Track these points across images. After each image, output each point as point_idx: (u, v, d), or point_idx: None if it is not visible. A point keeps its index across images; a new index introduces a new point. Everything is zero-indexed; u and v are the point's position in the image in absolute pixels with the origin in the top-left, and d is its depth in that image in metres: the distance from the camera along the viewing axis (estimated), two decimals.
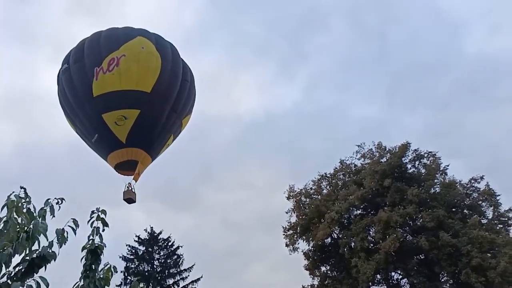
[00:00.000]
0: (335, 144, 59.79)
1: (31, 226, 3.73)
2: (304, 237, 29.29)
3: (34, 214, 3.86)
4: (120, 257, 29.13)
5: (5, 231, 3.56)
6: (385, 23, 75.43)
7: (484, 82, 64.99)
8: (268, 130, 67.44)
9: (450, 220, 24.74)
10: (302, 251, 29.04)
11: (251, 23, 74.44)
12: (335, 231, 29.19)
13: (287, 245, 29.34)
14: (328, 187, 30.24)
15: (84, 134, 19.14)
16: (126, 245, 29.68)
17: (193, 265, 29.52)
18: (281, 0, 75.40)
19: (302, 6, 72.83)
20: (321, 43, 71.12)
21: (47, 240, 3.83)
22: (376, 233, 26.54)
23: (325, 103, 70.86)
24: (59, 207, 4.07)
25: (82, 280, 4.24)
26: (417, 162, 28.33)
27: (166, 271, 29.22)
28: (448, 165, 28.05)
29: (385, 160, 28.07)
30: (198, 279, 29.32)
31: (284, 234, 29.49)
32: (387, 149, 28.60)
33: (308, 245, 29.17)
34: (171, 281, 29.13)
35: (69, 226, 4.06)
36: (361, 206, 28.42)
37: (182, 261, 29.60)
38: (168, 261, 29.55)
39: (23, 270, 3.64)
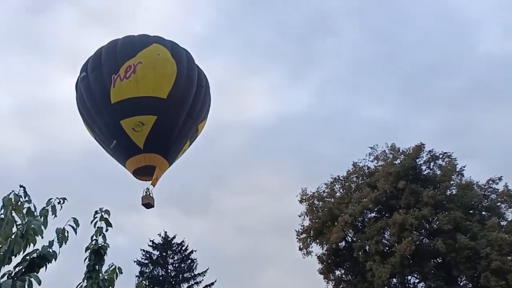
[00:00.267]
0: (347, 147, 59.55)
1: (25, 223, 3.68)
2: (317, 240, 29.18)
3: (35, 213, 3.81)
4: (134, 261, 29.36)
5: (1, 229, 3.52)
6: (395, 24, 75.04)
7: (500, 81, 64.31)
8: (279, 134, 67.44)
9: (468, 222, 24.42)
10: (315, 255, 28.95)
11: (260, 28, 74.71)
12: (349, 234, 29.04)
13: (300, 249, 29.27)
14: (341, 190, 30.12)
15: (102, 140, 19.43)
16: (140, 250, 29.90)
17: (207, 270, 29.62)
18: (290, 4, 75.58)
19: (310, 9, 72.82)
20: (330, 46, 71.07)
21: (42, 237, 3.76)
22: (391, 236, 26.32)
23: (336, 106, 70.66)
24: (61, 206, 4.02)
25: (85, 281, 4.20)
26: (432, 164, 28.07)
27: (180, 275, 29.31)
28: (464, 166, 27.73)
29: (398, 161, 27.86)
30: (212, 284, 29.36)
31: (297, 238, 29.42)
32: (400, 151, 28.40)
33: (322, 249, 29.07)
34: (185, 285, 29.22)
35: (69, 225, 4.02)
36: (375, 209, 28.23)
37: (196, 266, 29.71)
38: (182, 265, 29.66)
39: (23, 269, 3.61)
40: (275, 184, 57.62)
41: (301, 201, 29.75)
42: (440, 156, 27.94)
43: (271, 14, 73.12)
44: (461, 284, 25.26)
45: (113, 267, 4.42)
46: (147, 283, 29.04)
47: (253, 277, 46.46)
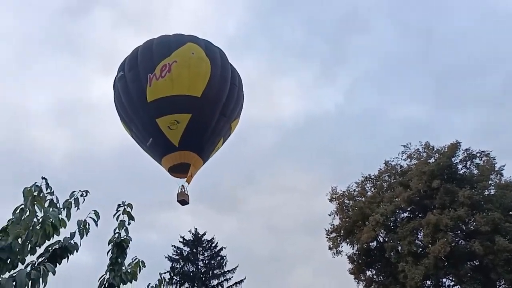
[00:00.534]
0: (379, 147, 58.47)
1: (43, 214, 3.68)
2: (347, 240, 28.80)
3: (58, 205, 3.83)
4: (165, 257, 29.97)
5: (21, 219, 3.53)
6: (429, 19, 72.48)
7: None
8: (310, 133, 67.11)
9: (507, 224, 23.43)
10: (346, 255, 28.60)
11: (291, 27, 74.43)
12: (381, 234, 28.47)
13: (330, 248, 28.96)
14: (372, 189, 29.57)
15: (139, 138, 19.93)
16: (172, 246, 30.49)
17: (237, 267, 29.85)
18: (320, 2, 74.69)
19: (341, 7, 71.81)
20: (362, 44, 69.94)
21: (59, 227, 3.76)
22: (424, 237, 25.62)
23: (367, 104, 69.56)
24: (84, 199, 4.04)
25: (107, 274, 4.18)
26: (468, 162, 27.08)
27: (210, 272, 29.67)
28: (504, 166, 26.54)
29: (433, 160, 27.06)
30: (242, 281, 29.56)
31: (327, 237, 29.15)
32: (435, 149, 27.57)
33: (352, 248, 28.68)
34: (215, 282, 29.55)
35: (90, 217, 4.02)
36: (408, 209, 27.56)
37: (225, 263, 30.00)
38: (212, 262, 30.01)
39: (45, 260, 3.64)
40: (305, 184, 57.45)
41: (331, 200, 29.46)
42: (478, 154, 26.92)
43: (301, 13, 72.72)
44: None
45: (136, 260, 4.39)
46: (178, 279, 29.61)
47: (282, 276, 46.53)
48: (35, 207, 3.62)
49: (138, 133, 19.65)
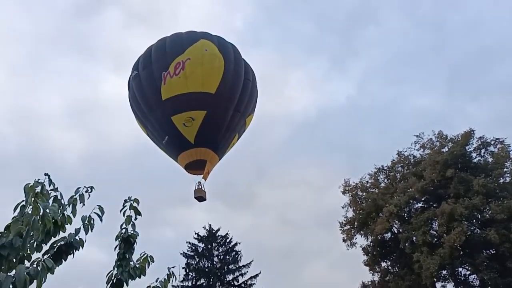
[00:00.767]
0: (391, 139, 58.25)
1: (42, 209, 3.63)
2: (361, 232, 28.86)
3: (62, 202, 3.80)
4: (180, 253, 30.22)
5: (22, 215, 3.52)
6: (441, 9, 71.35)
7: None
8: (322, 127, 66.91)
9: None
10: (360, 246, 28.69)
11: (301, 20, 73.80)
12: (395, 225, 28.51)
13: (344, 240, 29.07)
14: (385, 180, 29.54)
15: (155, 136, 20.03)
16: (186, 242, 30.71)
17: (251, 261, 30.05)
18: None
19: None
20: (373, 36, 69.09)
21: (64, 223, 3.74)
22: (439, 227, 25.60)
23: (379, 96, 69.02)
24: (89, 195, 4.02)
25: (115, 269, 4.17)
26: (483, 151, 26.92)
27: (226, 267, 29.88)
28: None
29: (446, 149, 26.93)
30: (257, 275, 29.78)
31: (341, 229, 29.23)
32: (448, 138, 27.42)
33: (367, 240, 28.76)
34: (230, 277, 29.79)
35: (95, 213, 3.99)
36: (422, 199, 27.51)
37: (240, 258, 30.21)
38: (227, 257, 30.22)
39: (51, 257, 3.63)
40: (318, 177, 57.46)
41: (344, 192, 29.49)
42: (492, 142, 26.73)
43: (310, 5, 72.02)
44: None
45: (145, 255, 4.37)
46: (193, 275, 29.86)
47: (297, 269, 46.79)
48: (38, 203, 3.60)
49: (154, 131, 19.74)
